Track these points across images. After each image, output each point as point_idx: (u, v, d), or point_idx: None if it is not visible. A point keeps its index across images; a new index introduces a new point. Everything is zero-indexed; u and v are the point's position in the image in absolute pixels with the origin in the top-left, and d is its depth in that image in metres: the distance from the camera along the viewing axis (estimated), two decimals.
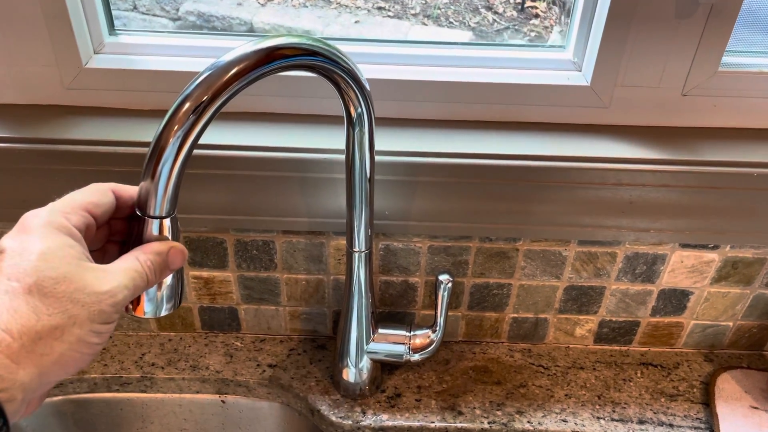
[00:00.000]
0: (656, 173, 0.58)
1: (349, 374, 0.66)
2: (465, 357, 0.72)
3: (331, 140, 0.58)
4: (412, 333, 0.65)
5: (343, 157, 0.53)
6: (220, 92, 0.38)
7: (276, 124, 0.61)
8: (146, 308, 0.41)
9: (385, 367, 0.70)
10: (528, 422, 0.65)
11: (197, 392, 0.70)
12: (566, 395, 0.68)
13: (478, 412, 0.66)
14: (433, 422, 0.65)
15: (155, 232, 0.39)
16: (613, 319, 0.71)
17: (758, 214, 0.60)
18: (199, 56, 0.61)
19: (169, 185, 0.38)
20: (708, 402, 0.67)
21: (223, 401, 0.71)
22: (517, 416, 0.66)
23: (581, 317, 0.71)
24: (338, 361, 0.66)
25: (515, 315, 0.71)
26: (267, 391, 0.69)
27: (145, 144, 0.57)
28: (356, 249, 0.58)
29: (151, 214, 0.39)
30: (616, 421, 0.66)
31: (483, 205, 0.60)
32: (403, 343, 0.64)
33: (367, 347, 0.64)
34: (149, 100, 0.61)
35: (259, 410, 0.71)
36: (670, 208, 0.59)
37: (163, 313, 0.42)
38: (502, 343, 0.74)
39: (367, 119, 0.49)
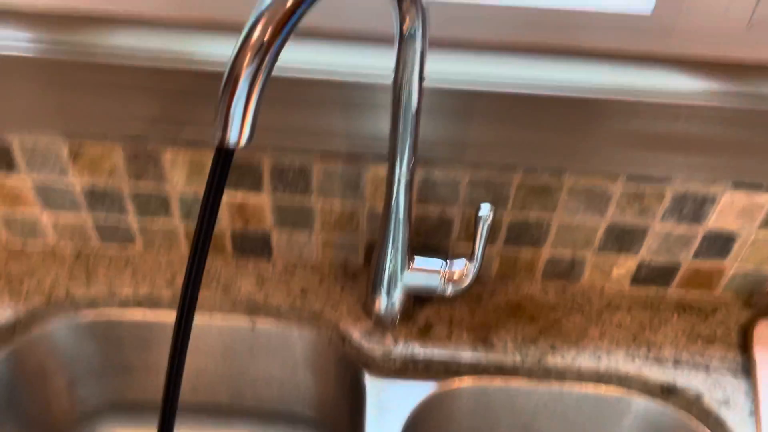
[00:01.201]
0: (716, 108, 0.55)
1: (382, 304, 0.66)
2: (498, 293, 0.71)
3: (378, 61, 0.55)
4: (448, 265, 0.63)
5: (389, 80, 0.51)
6: (299, 5, 0.36)
7: (319, 42, 0.58)
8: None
9: (417, 299, 0.69)
10: (561, 358, 0.65)
11: (227, 314, 0.70)
12: (601, 334, 0.67)
13: (510, 345, 0.66)
14: (464, 354, 0.65)
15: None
16: (653, 261, 0.69)
17: None
18: None
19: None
20: (746, 347, 0.66)
21: (252, 326, 0.70)
22: (550, 351, 0.65)
23: (620, 258, 0.69)
24: (371, 290, 0.65)
25: (552, 253, 0.69)
26: (297, 316, 0.69)
27: (184, 56, 0.55)
28: (398, 175, 0.56)
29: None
30: (652, 361, 0.65)
31: (532, 135, 0.58)
32: (439, 275, 0.63)
33: (402, 277, 0.63)
34: (188, 10, 0.58)
35: (289, 336, 0.71)
36: (728, 145, 0.57)
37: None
38: (537, 281, 0.73)
39: (420, 38, 0.47)
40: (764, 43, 0.57)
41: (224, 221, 0.69)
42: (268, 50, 0.36)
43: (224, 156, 0.37)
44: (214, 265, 0.72)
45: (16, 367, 0.67)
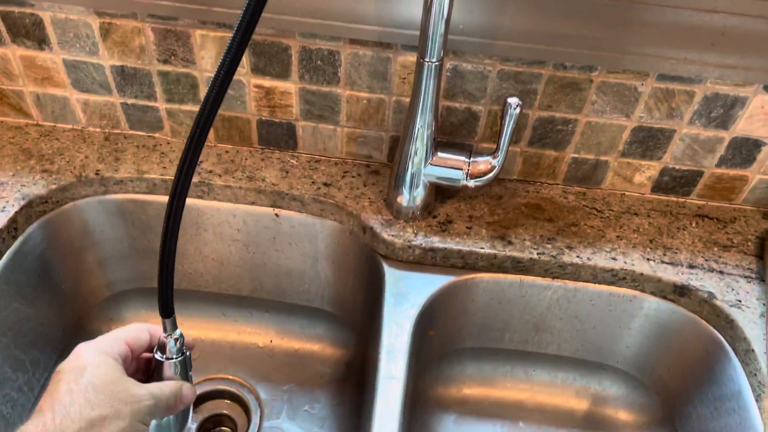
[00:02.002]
0: (757, 1, 0.54)
1: (403, 198, 0.67)
2: (518, 194, 0.72)
3: None
4: (471, 159, 0.64)
5: None
6: None
7: None
8: None
9: (438, 196, 0.70)
10: (577, 257, 0.66)
11: (252, 203, 0.71)
12: (618, 237, 0.68)
13: (528, 243, 0.67)
14: (482, 248, 0.66)
15: (171, 370, 0.50)
16: (677, 167, 0.69)
17: None
18: None
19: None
20: (762, 255, 0.67)
21: (276, 215, 0.72)
22: (567, 250, 0.66)
23: (644, 162, 0.69)
24: (393, 183, 0.66)
25: (575, 155, 0.69)
26: (320, 207, 0.70)
27: None
28: (428, 59, 0.56)
29: (167, 355, 0.50)
30: (666, 263, 0.66)
31: (564, 27, 0.57)
32: (462, 168, 0.64)
33: (425, 169, 0.64)
34: None
35: (311, 226, 0.72)
36: (762, 43, 0.56)
37: None
38: (557, 184, 0.73)
39: None
40: None
41: (251, 109, 0.69)
42: None
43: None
44: (239, 154, 0.73)
45: (49, 237, 0.69)
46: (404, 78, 0.64)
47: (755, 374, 0.58)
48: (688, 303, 0.65)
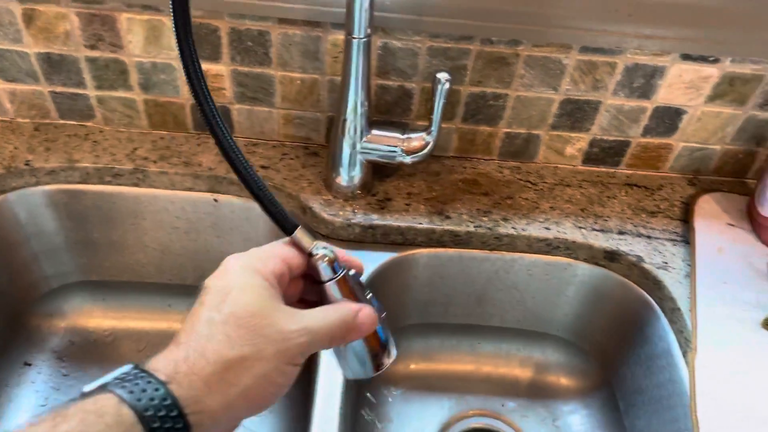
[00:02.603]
0: None
1: (342, 177, 0.67)
2: (455, 170, 0.73)
3: None
4: (406, 135, 0.65)
5: None
6: None
7: None
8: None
9: (376, 174, 0.71)
10: (512, 228, 0.67)
11: (190, 189, 0.71)
12: (551, 207, 0.70)
13: (465, 217, 0.68)
14: (421, 223, 0.67)
15: (336, 293, 0.40)
16: (605, 137, 0.71)
17: (762, 24, 0.59)
18: None
19: None
20: (687, 219, 0.70)
21: (215, 200, 0.72)
22: (502, 222, 0.68)
23: (573, 134, 0.71)
24: (331, 163, 0.67)
25: (508, 130, 0.71)
26: None
27: None
28: (356, 35, 0.56)
29: (322, 278, 0.40)
30: (597, 231, 0.68)
31: (489, 2, 0.59)
32: (397, 145, 0.65)
33: (360, 146, 0.65)
34: None
35: (251, 210, 0.72)
36: (677, 12, 0.58)
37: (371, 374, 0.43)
38: (493, 160, 0.75)
39: None
40: None
41: (184, 94, 0.69)
42: None
43: None
44: (174, 140, 0.72)
45: None
46: (336, 57, 0.65)
47: (681, 331, 0.61)
48: (618, 268, 0.67)
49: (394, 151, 0.65)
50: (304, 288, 0.42)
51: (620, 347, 0.71)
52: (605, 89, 0.66)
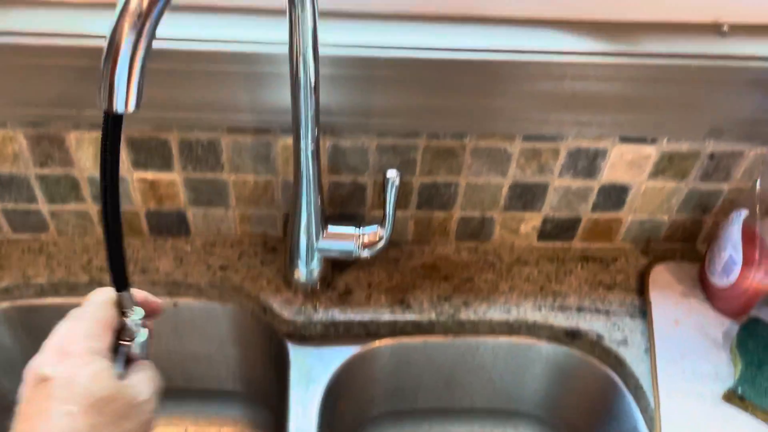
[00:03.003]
0: (599, 66, 0.59)
1: (301, 273, 0.67)
2: (414, 256, 0.74)
3: (276, 33, 0.56)
4: (361, 230, 0.65)
5: (287, 49, 0.52)
6: None
7: (218, 16, 0.59)
8: None
9: (335, 266, 0.71)
10: (474, 313, 0.68)
11: None
12: (510, 288, 0.71)
13: (426, 305, 0.68)
14: (383, 315, 0.67)
15: (140, 353, 0.43)
16: (556, 215, 0.73)
17: (694, 107, 0.62)
18: None
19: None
20: (643, 291, 0.71)
21: (175, 304, 0.71)
22: (464, 308, 0.68)
23: (526, 214, 0.73)
24: (289, 260, 0.67)
25: (462, 214, 0.72)
26: (218, 292, 0.70)
27: (79, 35, 0.55)
28: (303, 145, 0.57)
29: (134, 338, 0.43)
30: (557, 310, 0.69)
31: (430, 100, 0.60)
32: (353, 240, 0.65)
33: (318, 245, 0.65)
34: None
35: (212, 311, 0.72)
36: (611, 100, 0.61)
37: None
38: (451, 242, 0.76)
39: (310, 3, 0.48)
40: (641, 3, 0.61)
41: (137, 202, 0.69)
42: (147, 17, 0.36)
43: (113, 122, 0.37)
44: (131, 246, 0.72)
45: None
46: (287, 158, 0.66)
47: (645, 409, 0.61)
48: (580, 345, 0.68)
49: (351, 246, 0.66)
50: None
51: (590, 424, 0.71)
52: (551, 172, 0.68)
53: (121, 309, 0.42)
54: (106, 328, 0.40)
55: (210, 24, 0.58)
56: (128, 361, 0.42)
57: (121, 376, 0.40)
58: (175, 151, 0.64)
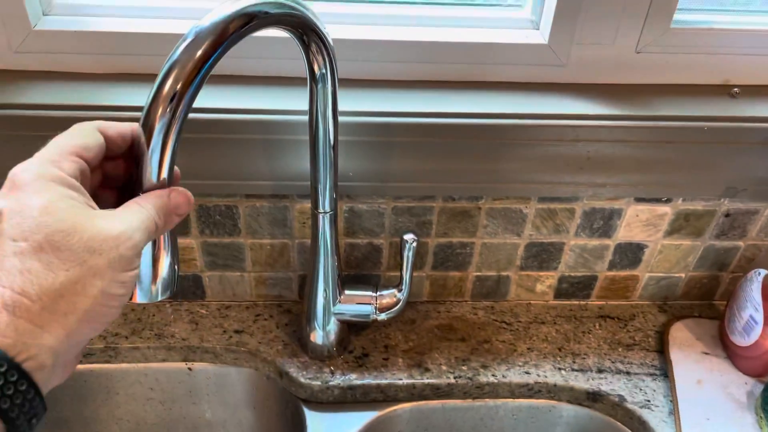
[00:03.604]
0: (612, 128, 0.59)
1: (317, 336, 0.67)
2: (430, 316, 0.74)
3: (295, 102, 0.58)
4: (378, 293, 0.65)
5: (306, 118, 0.53)
6: (209, 56, 0.37)
7: (238, 86, 0.60)
8: (139, 295, 0.39)
9: (352, 328, 0.70)
10: (492, 375, 0.67)
11: (163, 360, 0.69)
12: (528, 349, 0.70)
13: (444, 368, 0.68)
14: (401, 379, 0.66)
15: (153, 175, 0.37)
16: (572, 274, 0.73)
17: (708, 167, 0.62)
18: (150, 16, 0.60)
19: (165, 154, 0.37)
20: (662, 350, 0.70)
21: (189, 368, 0.70)
22: (482, 370, 0.68)
23: (542, 273, 0.72)
24: (305, 323, 0.67)
25: (478, 273, 0.72)
26: (234, 356, 0.69)
27: (101, 107, 0.56)
28: (321, 210, 0.58)
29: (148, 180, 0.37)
30: (576, 371, 0.68)
31: (446, 164, 0.61)
32: (370, 303, 0.65)
33: (334, 308, 0.65)
34: (103, 62, 0.59)
35: (227, 376, 0.71)
36: (625, 162, 0.61)
37: (159, 297, 0.40)
38: (466, 301, 0.75)
39: (330, 78, 0.49)
40: (652, 67, 0.63)
41: None
42: (181, 101, 0.37)
43: None
44: (146, 311, 0.71)
45: None
46: (304, 222, 0.66)
47: None
48: (602, 407, 0.67)
49: (368, 310, 0.65)
50: (106, 174, 0.38)
51: None
52: (567, 232, 0.68)
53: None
54: (65, 155, 0.34)
55: (230, 92, 0.59)
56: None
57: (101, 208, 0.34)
58: (192, 216, 0.65)
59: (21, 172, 0.33)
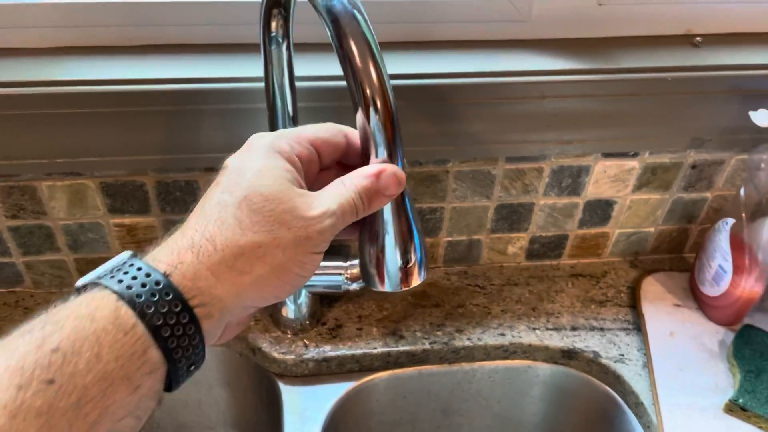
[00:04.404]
0: (577, 83, 0.58)
1: (289, 311, 0.66)
2: None
3: (251, 69, 0.55)
4: (348, 263, 0.64)
5: (263, 84, 0.51)
6: None
7: (190, 55, 0.57)
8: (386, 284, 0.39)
9: (324, 301, 0.69)
10: (468, 339, 0.67)
11: None
12: (502, 311, 0.70)
13: (419, 334, 0.67)
14: (375, 348, 0.66)
15: (381, 151, 0.36)
16: (543, 234, 0.72)
17: (673, 119, 0.62)
18: None
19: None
20: (635, 305, 0.71)
21: None
22: (457, 334, 0.67)
23: (513, 235, 0.72)
24: None
25: (449, 238, 0.72)
26: None
27: (46, 83, 0.53)
28: None
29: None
30: (551, 330, 0.68)
31: (410, 128, 0.60)
32: (341, 274, 0.64)
33: None
34: (47, 37, 0.56)
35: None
36: (591, 117, 0.61)
37: (413, 284, 0.40)
38: (439, 267, 0.75)
39: (286, 41, 0.47)
40: (614, 20, 0.62)
41: (115, 247, 0.67)
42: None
43: None
44: None
45: None
46: None
47: (648, 426, 0.60)
48: (577, 365, 0.67)
49: (339, 280, 0.64)
50: (332, 179, 0.37)
51: None
52: (536, 192, 0.68)
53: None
54: (303, 140, 0.36)
55: (181, 63, 0.56)
56: None
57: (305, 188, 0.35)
58: (152, 194, 0.62)
59: (258, 138, 0.36)
